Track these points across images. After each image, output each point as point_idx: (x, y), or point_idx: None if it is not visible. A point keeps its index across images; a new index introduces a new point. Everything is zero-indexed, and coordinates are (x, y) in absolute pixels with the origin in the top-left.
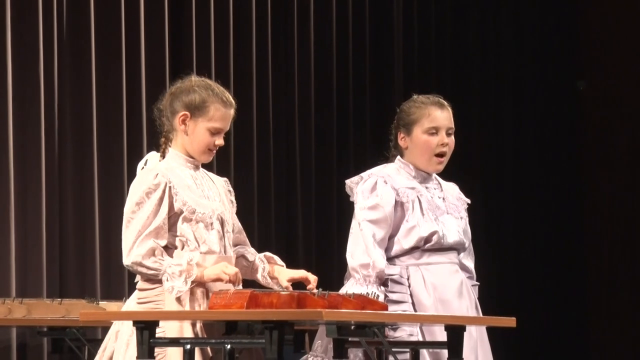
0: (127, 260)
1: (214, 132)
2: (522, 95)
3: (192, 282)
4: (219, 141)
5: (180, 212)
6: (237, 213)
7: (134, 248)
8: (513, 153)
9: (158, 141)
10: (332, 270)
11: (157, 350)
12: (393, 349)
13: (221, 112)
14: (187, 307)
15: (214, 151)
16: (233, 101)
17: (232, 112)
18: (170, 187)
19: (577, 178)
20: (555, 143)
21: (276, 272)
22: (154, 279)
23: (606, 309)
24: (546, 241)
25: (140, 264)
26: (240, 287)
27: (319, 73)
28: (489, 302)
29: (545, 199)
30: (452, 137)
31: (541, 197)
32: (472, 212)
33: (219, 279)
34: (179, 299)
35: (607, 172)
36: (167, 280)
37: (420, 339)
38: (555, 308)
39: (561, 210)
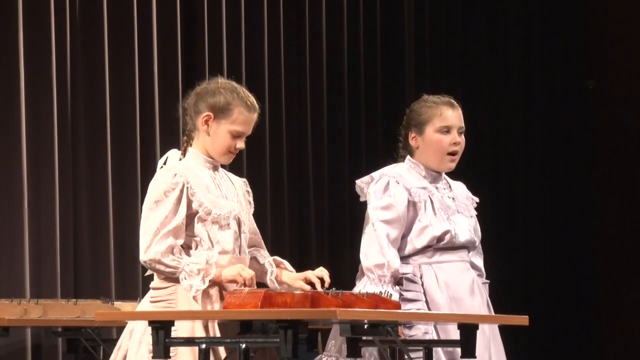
0: (144, 257)
1: (235, 135)
2: (531, 94)
3: (210, 281)
4: (240, 144)
5: (196, 213)
6: None
7: (152, 245)
8: (523, 152)
9: (172, 141)
10: (345, 270)
11: None
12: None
13: (244, 115)
14: (200, 307)
15: (234, 154)
16: (257, 106)
17: (255, 116)
18: (187, 187)
19: (587, 176)
20: (565, 142)
21: (284, 276)
22: (170, 278)
23: (618, 306)
24: (557, 239)
25: (159, 262)
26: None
27: (331, 73)
28: (500, 300)
29: (555, 197)
30: (463, 136)
31: (551, 195)
32: (482, 210)
33: (234, 281)
34: (191, 299)
35: (618, 170)
36: (185, 278)
37: (435, 337)
38: (567, 306)
39: (571, 208)
